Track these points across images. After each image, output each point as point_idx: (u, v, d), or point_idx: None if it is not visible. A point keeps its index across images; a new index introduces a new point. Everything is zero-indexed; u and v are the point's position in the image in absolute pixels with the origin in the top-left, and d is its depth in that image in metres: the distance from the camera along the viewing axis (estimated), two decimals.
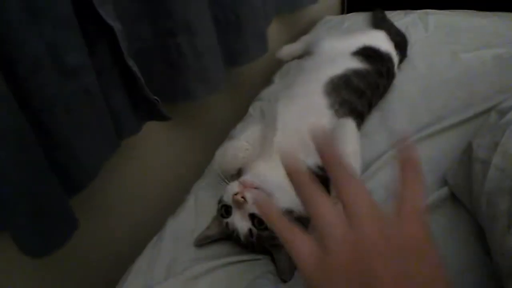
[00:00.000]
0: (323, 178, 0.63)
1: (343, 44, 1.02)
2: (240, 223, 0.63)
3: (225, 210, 0.65)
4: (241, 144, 0.77)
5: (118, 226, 0.86)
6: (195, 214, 0.77)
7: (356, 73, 0.88)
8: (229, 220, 0.64)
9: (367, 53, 0.96)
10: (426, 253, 0.32)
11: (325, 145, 0.37)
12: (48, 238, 0.57)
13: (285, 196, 0.60)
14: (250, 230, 0.62)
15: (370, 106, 0.89)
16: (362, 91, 0.85)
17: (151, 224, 0.80)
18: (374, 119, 0.90)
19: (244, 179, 0.66)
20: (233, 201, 0.63)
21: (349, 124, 0.75)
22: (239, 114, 1.09)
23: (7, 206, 0.51)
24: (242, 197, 0.62)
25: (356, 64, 0.92)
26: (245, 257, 0.65)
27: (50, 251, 0.58)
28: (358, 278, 0.31)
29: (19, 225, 0.53)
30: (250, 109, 1.09)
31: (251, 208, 0.62)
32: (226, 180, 0.74)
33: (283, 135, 0.76)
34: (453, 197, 0.66)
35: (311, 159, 0.69)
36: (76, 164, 0.60)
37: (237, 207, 0.63)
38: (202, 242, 0.69)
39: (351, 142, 0.71)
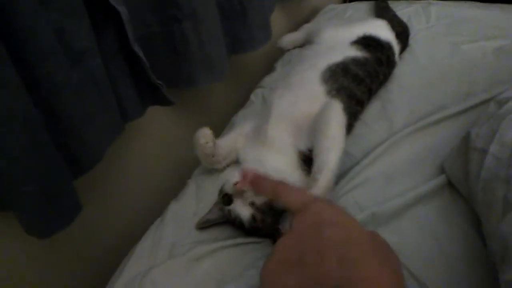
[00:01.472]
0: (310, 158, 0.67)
1: (343, 33, 1.03)
2: (243, 210, 0.64)
3: (227, 199, 0.66)
4: (200, 132, 0.79)
5: (121, 208, 0.88)
6: (196, 198, 0.79)
7: (354, 61, 0.89)
8: (231, 208, 0.65)
9: (367, 42, 0.97)
10: (344, 223, 0.43)
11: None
12: (52, 219, 0.58)
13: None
14: (253, 216, 0.63)
15: (370, 93, 0.90)
16: (361, 78, 0.86)
17: (153, 207, 0.82)
18: (374, 108, 0.91)
19: (244, 167, 0.67)
20: (233, 190, 0.65)
21: (335, 105, 0.75)
22: (241, 101, 1.10)
23: (13, 187, 0.52)
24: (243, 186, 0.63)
25: (355, 52, 0.92)
26: (245, 240, 0.66)
27: (53, 232, 0.59)
28: (312, 241, 0.41)
29: (24, 205, 0.54)
30: (252, 96, 1.10)
31: (251, 196, 0.64)
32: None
33: (277, 122, 0.77)
34: (450, 185, 0.67)
35: (303, 144, 0.72)
36: (82, 147, 0.61)
37: (237, 195, 0.65)
38: (203, 225, 0.71)
39: (333, 124, 0.71)
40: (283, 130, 0.76)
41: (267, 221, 0.62)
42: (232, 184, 0.65)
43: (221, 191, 0.69)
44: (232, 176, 0.67)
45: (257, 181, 0.57)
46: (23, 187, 0.52)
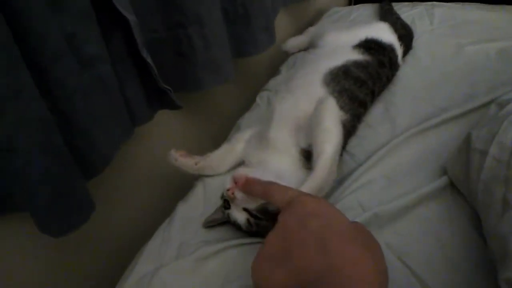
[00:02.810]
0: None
1: (345, 37, 1.04)
2: (238, 215, 0.66)
3: (226, 203, 0.68)
4: (167, 156, 0.81)
5: (130, 209, 0.90)
6: (204, 199, 0.80)
7: (356, 63, 0.90)
8: (229, 212, 0.67)
9: (369, 45, 0.98)
10: (327, 214, 0.45)
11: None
12: (67, 218, 0.60)
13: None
14: (247, 220, 0.65)
15: (373, 95, 0.91)
16: (363, 80, 0.87)
17: (161, 208, 0.83)
18: (377, 110, 0.92)
19: (235, 175, 0.68)
20: (227, 196, 0.67)
21: (329, 101, 0.76)
22: (247, 103, 1.12)
23: (29, 188, 0.54)
24: (233, 193, 0.65)
25: (356, 56, 0.93)
26: (248, 240, 0.68)
27: (68, 230, 0.61)
28: (296, 234, 0.43)
29: (39, 205, 0.56)
30: (257, 99, 1.12)
31: (241, 203, 0.65)
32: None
33: (279, 124, 0.79)
34: (452, 186, 0.68)
35: (303, 141, 0.74)
36: (93, 150, 0.63)
37: (232, 201, 0.66)
38: (210, 224, 0.72)
39: (327, 117, 0.72)
40: (284, 131, 0.77)
41: (262, 224, 0.64)
42: (226, 190, 0.67)
43: (222, 195, 0.71)
44: (226, 183, 0.68)
45: (248, 185, 0.59)
46: (37, 188, 0.54)
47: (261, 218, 0.64)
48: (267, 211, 0.63)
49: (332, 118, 0.73)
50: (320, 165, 0.65)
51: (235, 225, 0.67)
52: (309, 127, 0.73)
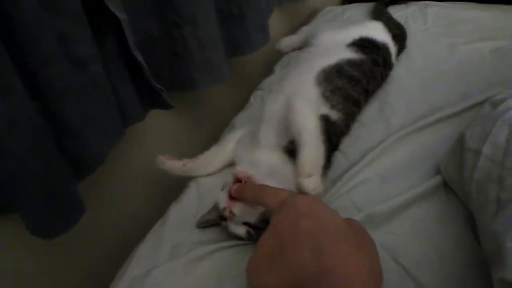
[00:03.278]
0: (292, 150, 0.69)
1: (338, 36, 1.04)
2: (237, 229, 0.65)
3: (223, 217, 0.67)
4: (156, 161, 0.81)
5: (122, 210, 0.89)
6: (197, 200, 0.80)
7: (349, 62, 0.90)
8: (227, 225, 0.66)
9: (363, 44, 0.98)
10: (319, 213, 0.45)
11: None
12: (57, 220, 0.60)
13: (272, 182, 0.62)
14: (248, 232, 0.64)
15: (367, 94, 0.90)
16: (357, 79, 0.87)
17: (154, 209, 0.83)
18: (371, 109, 0.92)
19: (236, 173, 0.67)
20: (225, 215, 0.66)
21: (297, 100, 0.77)
22: (241, 103, 1.11)
23: (20, 189, 0.53)
24: (230, 212, 0.64)
25: (350, 54, 0.93)
26: (243, 241, 0.67)
27: (58, 233, 0.61)
28: (290, 234, 0.43)
29: (30, 207, 0.55)
30: (251, 98, 1.11)
31: (241, 218, 0.64)
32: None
33: (268, 125, 0.79)
34: (446, 186, 0.68)
35: (283, 139, 0.74)
36: (84, 151, 0.63)
37: (228, 218, 0.66)
38: (203, 224, 0.72)
39: (297, 104, 0.74)
40: (272, 131, 0.78)
41: (261, 233, 0.63)
42: (221, 209, 0.66)
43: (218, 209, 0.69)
44: (221, 201, 0.66)
45: (240, 191, 0.59)
46: (28, 189, 0.53)
47: (263, 227, 0.63)
48: (266, 219, 0.62)
49: (303, 105, 0.74)
50: (304, 137, 0.67)
51: (233, 236, 0.67)
52: (286, 122, 0.74)
